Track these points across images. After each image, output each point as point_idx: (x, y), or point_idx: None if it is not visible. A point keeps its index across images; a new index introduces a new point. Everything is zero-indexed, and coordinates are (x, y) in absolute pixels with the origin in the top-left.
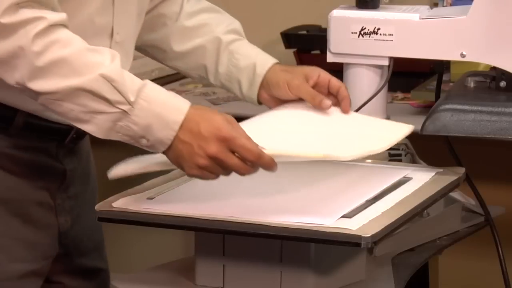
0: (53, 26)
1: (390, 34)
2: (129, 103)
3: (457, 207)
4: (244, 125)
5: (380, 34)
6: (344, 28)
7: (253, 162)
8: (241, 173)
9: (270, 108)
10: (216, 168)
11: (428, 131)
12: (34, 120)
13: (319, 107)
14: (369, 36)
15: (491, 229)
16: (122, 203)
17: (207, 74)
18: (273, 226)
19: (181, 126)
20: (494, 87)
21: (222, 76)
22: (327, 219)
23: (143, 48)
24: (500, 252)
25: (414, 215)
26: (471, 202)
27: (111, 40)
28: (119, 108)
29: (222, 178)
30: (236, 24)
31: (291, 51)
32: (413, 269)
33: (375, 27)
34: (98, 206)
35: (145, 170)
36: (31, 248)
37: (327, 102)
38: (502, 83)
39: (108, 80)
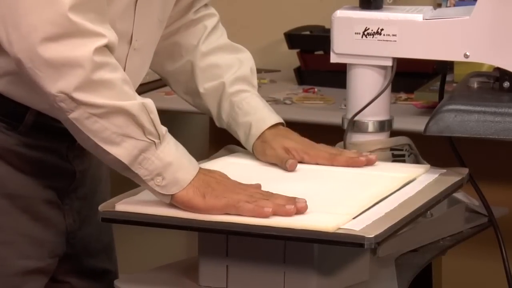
0: (108, 47)
1: (393, 35)
2: (160, 137)
3: (461, 208)
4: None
5: (384, 35)
6: (347, 28)
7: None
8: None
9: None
10: (225, 181)
11: (431, 132)
12: (44, 120)
13: (285, 169)
14: (373, 37)
15: (495, 230)
16: (125, 203)
17: (213, 117)
18: (277, 227)
19: (200, 169)
20: (497, 87)
21: (224, 123)
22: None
23: (163, 77)
24: (504, 252)
25: (418, 216)
26: (475, 202)
27: (130, 46)
28: (149, 139)
29: None
30: (246, 69)
31: (294, 52)
32: (417, 269)
33: (378, 28)
34: (101, 207)
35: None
36: (38, 246)
37: (293, 162)
38: (506, 84)
39: (148, 110)
